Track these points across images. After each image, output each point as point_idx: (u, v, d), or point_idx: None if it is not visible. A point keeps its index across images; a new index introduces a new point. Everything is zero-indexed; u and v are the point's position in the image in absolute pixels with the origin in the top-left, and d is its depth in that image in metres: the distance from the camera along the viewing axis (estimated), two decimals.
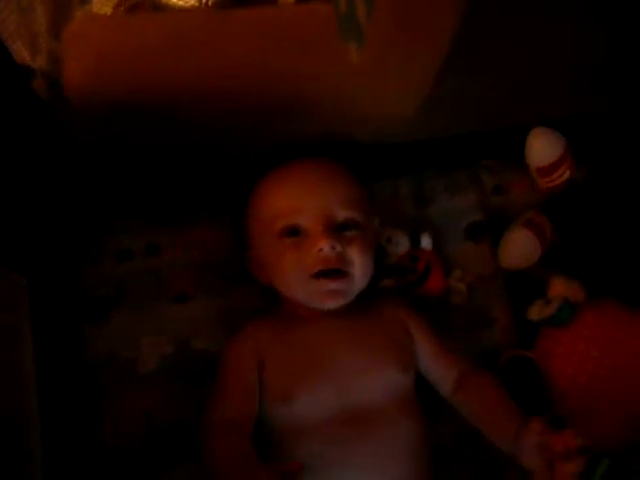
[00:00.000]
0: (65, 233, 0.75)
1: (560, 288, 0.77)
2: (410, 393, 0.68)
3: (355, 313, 0.70)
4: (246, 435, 0.63)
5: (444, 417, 0.73)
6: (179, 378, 0.73)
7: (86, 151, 0.68)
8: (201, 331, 0.75)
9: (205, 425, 0.64)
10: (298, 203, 0.68)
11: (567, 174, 0.80)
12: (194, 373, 0.73)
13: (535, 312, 0.76)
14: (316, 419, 0.63)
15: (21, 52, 0.60)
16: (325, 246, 0.66)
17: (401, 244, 0.78)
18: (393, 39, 0.64)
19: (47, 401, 0.65)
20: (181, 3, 0.61)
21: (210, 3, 0.61)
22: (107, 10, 0.59)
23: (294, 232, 0.68)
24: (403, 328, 0.71)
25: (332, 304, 0.68)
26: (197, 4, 0.61)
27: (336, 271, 0.67)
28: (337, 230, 0.68)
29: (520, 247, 0.79)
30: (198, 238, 0.78)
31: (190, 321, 0.75)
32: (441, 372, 0.71)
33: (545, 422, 0.61)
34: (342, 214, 0.69)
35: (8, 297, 0.65)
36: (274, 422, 0.66)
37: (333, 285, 0.67)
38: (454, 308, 0.79)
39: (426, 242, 0.78)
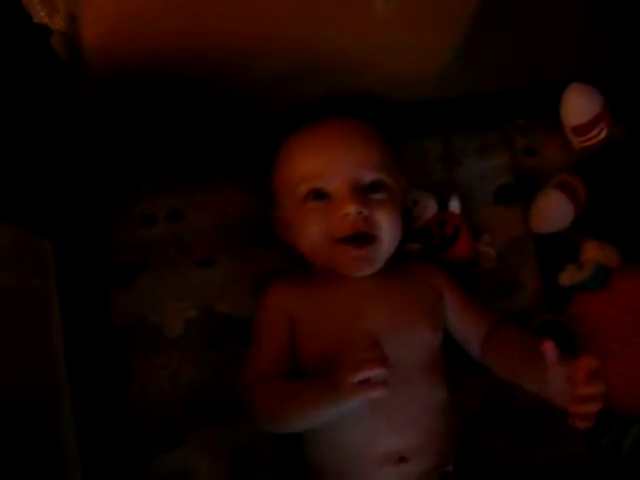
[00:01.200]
0: (89, 197, 0.75)
1: (593, 252, 0.74)
2: (438, 354, 0.68)
3: (385, 273, 0.69)
4: (281, 376, 0.64)
5: (470, 383, 0.73)
6: (204, 341, 0.73)
7: (107, 112, 0.68)
8: (225, 295, 0.75)
9: (244, 383, 0.64)
10: (323, 166, 0.67)
11: (604, 133, 0.77)
12: (219, 336, 0.73)
13: (567, 277, 0.75)
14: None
15: (39, 12, 0.58)
16: (351, 210, 0.65)
17: (428, 207, 0.76)
18: None
19: (75, 364, 0.66)
20: None
21: None
22: None
23: (320, 195, 0.67)
24: (433, 288, 0.70)
25: (358, 272, 0.67)
26: None
27: (363, 236, 0.66)
28: (364, 192, 0.67)
29: (552, 210, 0.77)
30: (221, 202, 0.77)
31: (214, 285, 0.75)
32: (470, 329, 0.70)
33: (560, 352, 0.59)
34: (369, 176, 0.67)
35: (34, 261, 0.65)
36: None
37: (359, 252, 0.66)
38: (483, 273, 0.77)
39: (454, 205, 0.76)
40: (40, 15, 0.59)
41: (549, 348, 0.58)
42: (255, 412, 0.63)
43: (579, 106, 0.76)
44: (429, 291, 0.70)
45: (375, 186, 0.67)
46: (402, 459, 0.62)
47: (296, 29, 0.63)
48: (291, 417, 0.61)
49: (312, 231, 0.67)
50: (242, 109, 0.73)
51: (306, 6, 0.61)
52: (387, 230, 0.67)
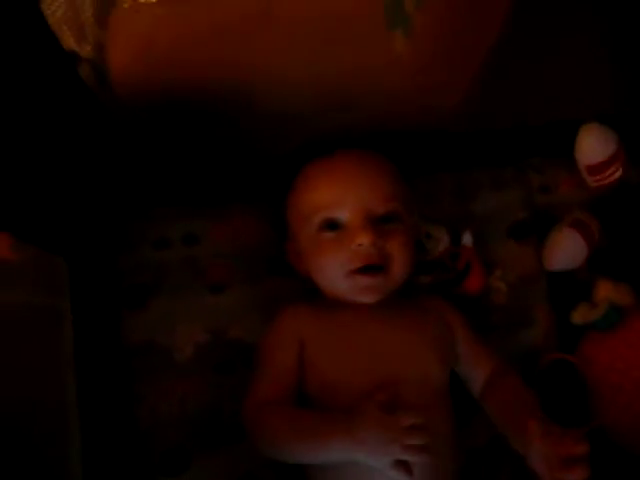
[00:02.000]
0: (105, 219, 0.76)
1: (606, 292, 0.74)
2: (445, 389, 0.67)
3: (397, 304, 0.69)
4: (291, 406, 0.64)
5: (477, 419, 0.72)
6: (214, 367, 0.73)
7: (128, 137, 0.69)
8: (237, 321, 0.75)
9: (247, 408, 0.64)
10: (338, 196, 0.67)
11: (618, 173, 0.77)
12: (229, 362, 0.73)
13: (580, 316, 0.74)
14: (352, 404, 0.61)
15: (68, 39, 0.60)
16: (365, 241, 0.65)
17: (441, 240, 0.76)
18: (440, 30, 0.62)
19: (85, 384, 0.66)
20: None
21: None
22: None
23: (333, 226, 0.68)
24: (444, 323, 0.70)
25: (368, 299, 0.67)
26: None
27: (375, 267, 0.66)
28: (377, 223, 0.67)
29: (566, 248, 0.77)
30: (236, 228, 0.78)
31: (226, 311, 0.75)
32: (474, 370, 0.70)
33: (546, 426, 0.59)
34: (383, 207, 0.68)
35: (49, 280, 0.66)
36: (312, 405, 0.65)
37: (370, 281, 0.66)
38: (494, 308, 0.77)
39: (467, 239, 0.76)
40: (69, 42, 0.60)
41: (532, 427, 0.59)
42: (259, 436, 0.63)
43: (594, 146, 0.76)
44: (441, 325, 0.70)
45: (388, 217, 0.68)
46: None
47: (318, 60, 0.64)
48: (296, 447, 0.61)
49: (325, 261, 0.67)
50: (263, 140, 0.74)
51: (327, 42, 0.63)
52: (399, 261, 0.67)
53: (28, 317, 0.61)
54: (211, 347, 0.74)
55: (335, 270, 0.67)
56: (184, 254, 0.77)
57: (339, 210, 0.67)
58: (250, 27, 0.60)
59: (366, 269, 0.66)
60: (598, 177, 0.77)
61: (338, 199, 0.67)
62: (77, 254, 0.71)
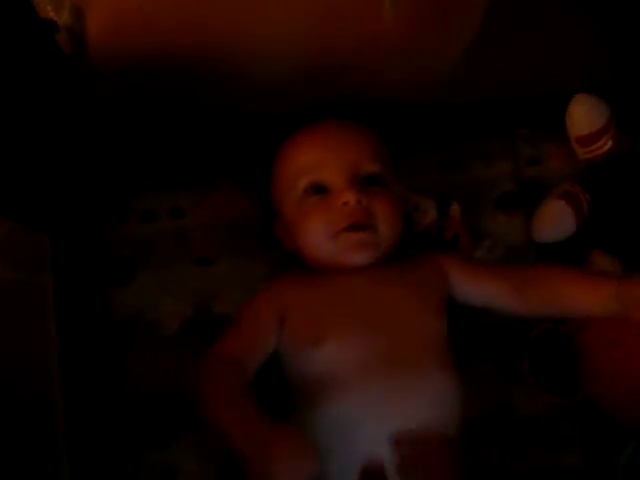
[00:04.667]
0: (89, 192, 0.76)
1: (601, 264, 0.74)
2: (444, 341, 0.65)
3: (388, 266, 0.68)
4: (242, 372, 0.60)
5: (469, 392, 0.72)
6: (200, 341, 0.72)
7: (109, 107, 0.68)
8: (223, 295, 0.74)
9: (206, 357, 0.62)
10: (320, 159, 0.67)
11: (609, 145, 0.76)
12: (215, 336, 0.73)
13: None
14: (346, 363, 0.61)
15: (45, 7, 0.59)
16: (350, 199, 0.65)
17: (429, 212, 0.75)
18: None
19: (69, 359, 0.66)
20: None
21: None
22: None
23: (318, 189, 0.67)
24: (436, 270, 0.69)
25: (360, 257, 0.66)
26: None
27: (362, 226, 0.65)
28: (362, 184, 0.66)
29: (555, 219, 0.76)
30: (222, 201, 0.77)
31: (213, 285, 0.75)
32: (495, 286, 0.67)
33: None
34: (366, 168, 0.67)
35: (31, 256, 0.65)
36: (301, 372, 0.63)
37: (358, 237, 0.65)
38: None
39: (455, 210, 0.76)
40: (46, 9, 0.59)
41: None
42: (200, 389, 0.59)
43: (584, 117, 0.75)
44: (432, 275, 0.69)
45: (373, 179, 0.67)
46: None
47: (304, 31, 0.63)
48: (217, 426, 0.57)
49: (313, 225, 0.67)
50: (248, 109, 0.73)
51: (314, 8, 0.61)
52: (386, 221, 0.67)
53: (10, 294, 0.61)
54: (197, 321, 0.73)
55: (321, 232, 0.66)
56: (171, 227, 0.76)
57: (322, 172, 0.67)
58: None
59: (353, 227, 0.65)
60: (588, 149, 0.77)
61: (321, 162, 0.67)
62: (61, 228, 0.70)
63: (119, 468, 0.69)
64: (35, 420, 0.61)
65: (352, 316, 0.64)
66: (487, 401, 0.72)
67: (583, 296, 0.63)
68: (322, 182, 0.67)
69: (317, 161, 0.67)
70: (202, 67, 0.65)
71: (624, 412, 0.70)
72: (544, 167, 0.81)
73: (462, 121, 0.79)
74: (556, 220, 0.76)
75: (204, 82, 0.68)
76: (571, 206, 0.76)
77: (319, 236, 0.66)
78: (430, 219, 0.75)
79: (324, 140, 0.69)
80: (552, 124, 0.78)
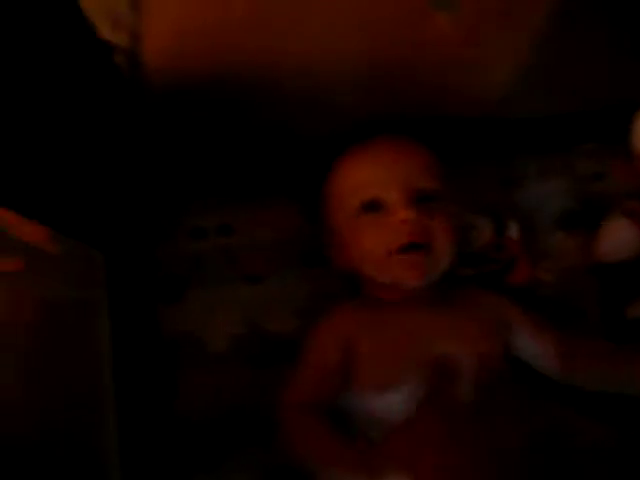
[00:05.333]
0: (142, 211, 0.76)
1: None
2: (504, 367, 0.64)
3: (443, 299, 0.67)
4: (323, 414, 0.61)
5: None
6: (249, 359, 0.72)
7: (164, 127, 0.68)
8: (273, 313, 0.74)
9: (283, 406, 0.63)
10: (376, 175, 0.66)
11: None
12: (264, 355, 0.73)
13: (636, 310, 0.70)
14: (406, 409, 0.60)
15: (103, 28, 0.60)
16: (409, 216, 0.64)
17: (485, 232, 0.73)
18: (488, 7, 0.59)
19: (122, 377, 0.66)
20: None
21: None
22: None
23: (374, 207, 0.66)
24: (501, 317, 0.68)
25: (413, 280, 0.65)
26: None
27: (419, 246, 0.64)
28: (420, 202, 0.65)
29: (618, 238, 0.73)
30: (273, 219, 0.77)
31: (262, 302, 0.74)
32: (547, 349, 0.67)
33: None
34: (422, 185, 0.66)
35: (86, 273, 0.66)
36: (360, 413, 0.63)
37: (414, 258, 0.64)
38: (540, 301, 0.74)
39: (513, 230, 0.73)
40: (105, 31, 0.60)
41: None
42: (282, 438, 0.61)
43: None
44: (493, 316, 0.67)
45: (428, 196, 0.66)
46: None
47: (355, 44, 0.62)
48: (311, 464, 0.58)
49: (368, 243, 0.65)
50: (300, 127, 0.72)
51: (365, 20, 0.60)
52: (442, 240, 0.65)
53: (65, 310, 0.61)
54: (247, 340, 0.73)
55: (378, 250, 0.65)
56: (221, 244, 0.76)
57: (380, 189, 0.65)
58: (290, 11, 0.58)
59: (410, 247, 0.64)
60: None
61: (378, 179, 0.66)
62: (114, 245, 0.71)
63: None
64: (88, 438, 0.61)
65: (416, 359, 0.62)
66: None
67: (624, 379, 0.63)
68: (378, 199, 0.66)
69: (373, 178, 0.66)
70: (254, 87, 0.65)
71: None
72: (607, 183, 0.78)
73: (521, 136, 0.77)
74: (620, 239, 0.73)
75: (256, 101, 0.68)
76: (636, 224, 0.72)
77: (376, 253, 0.65)
78: (486, 239, 0.73)
79: (379, 157, 0.68)
80: (615, 138, 0.75)
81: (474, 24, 0.61)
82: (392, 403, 0.61)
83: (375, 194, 0.66)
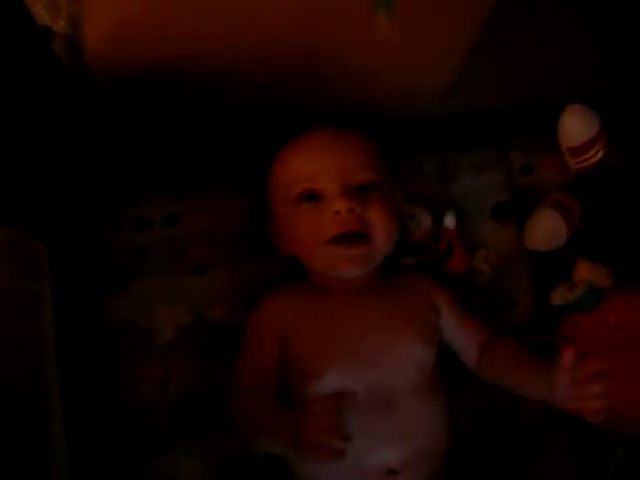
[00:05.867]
0: (85, 201, 0.75)
1: (586, 273, 0.75)
2: (432, 369, 0.67)
3: (380, 286, 0.69)
4: (270, 394, 0.64)
5: (461, 399, 0.72)
6: (195, 349, 0.73)
7: (106, 115, 0.67)
8: (219, 302, 0.74)
9: (229, 391, 0.65)
10: (315, 167, 0.67)
11: (600, 155, 0.77)
12: (211, 344, 0.73)
13: (558, 296, 0.75)
14: (335, 389, 0.62)
15: (42, 14, 0.58)
16: (342, 207, 0.65)
17: (423, 222, 0.76)
18: (424, 10, 0.61)
19: (65, 367, 0.66)
20: None
21: None
22: None
23: (312, 197, 0.67)
24: (428, 300, 0.70)
25: (351, 271, 0.67)
26: None
27: (356, 235, 0.66)
28: (356, 192, 0.66)
29: (546, 229, 0.77)
30: (217, 208, 0.77)
31: (208, 292, 0.75)
32: (467, 339, 0.70)
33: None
34: (360, 176, 0.67)
35: (29, 264, 0.65)
36: (298, 398, 0.65)
37: (352, 251, 0.65)
38: (476, 289, 0.77)
39: (449, 220, 0.76)
40: (43, 17, 0.59)
41: (568, 354, 0.59)
42: (234, 420, 0.64)
43: (576, 128, 0.75)
44: (424, 303, 0.70)
45: (368, 186, 0.67)
46: (391, 472, 0.62)
47: (297, 39, 0.63)
48: (256, 440, 0.62)
49: (304, 232, 0.67)
50: (241, 116, 0.73)
51: (307, 16, 0.61)
52: (380, 229, 0.67)
53: (7, 301, 0.60)
54: (193, 329, 0.73)
55: (314, 240, 0.66)
56: (165, 235, 0.76)
57: (316, 180, 0.66)
58: (230, 2, 0.58)
59: (345, 237, 0.65)
60: (580, 159, 0.77)
61: (315, 169, 0.67)
62: (57, 236, 0.70)
63: (116, 476, 0.69)
64: (32, 429, 0.61)
65: (350, 347, 0.64)
66: (478, 409, 0.73)
67: (525, 384, 0.65)
68: (315, 189, 0.67)
69: (311, 168, 0.67)
70: (195, 74, 0.65)
71: (611, 423, 0.71)
72: (537, 176, 0.81)
73: (455, 131, 0.79)
74: (548, 229, 0.77)
75: (198, 89, 0.68)
76: (563, 215, 0.76)
77: (312, 244, 0.67)
78: (425, 229, 0.76)
79: (319, 147, 0.69)
80: (544, 133, 0.79)
81: (411, 27, 0.63)
82: (326, 389, 0.62)
83: (312, 184, 0.67)
